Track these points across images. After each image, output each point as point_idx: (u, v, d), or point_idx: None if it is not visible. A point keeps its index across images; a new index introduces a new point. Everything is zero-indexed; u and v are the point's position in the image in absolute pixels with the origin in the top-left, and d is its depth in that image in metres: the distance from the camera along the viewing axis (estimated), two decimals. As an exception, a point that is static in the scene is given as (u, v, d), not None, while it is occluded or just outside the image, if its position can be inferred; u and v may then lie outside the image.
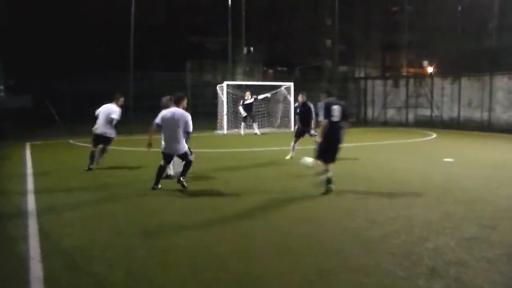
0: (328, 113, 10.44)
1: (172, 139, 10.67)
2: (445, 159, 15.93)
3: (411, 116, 36.50)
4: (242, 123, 27.50)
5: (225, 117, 28.16)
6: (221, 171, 13.65)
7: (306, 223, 8.08)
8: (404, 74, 42.13)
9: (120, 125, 14.58)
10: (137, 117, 26.41)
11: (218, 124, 28.79)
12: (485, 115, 31.20)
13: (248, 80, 43.47)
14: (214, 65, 52.52)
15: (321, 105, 10.85)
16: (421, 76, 39.17)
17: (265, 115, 30.56)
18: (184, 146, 10.80)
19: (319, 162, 10.87)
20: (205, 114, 29.09)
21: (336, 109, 10.50)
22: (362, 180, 12.15)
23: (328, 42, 56.37)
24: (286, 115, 30.69)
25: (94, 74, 26.35)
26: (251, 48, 53.44)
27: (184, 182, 10.87)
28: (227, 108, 28.40)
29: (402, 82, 38.13)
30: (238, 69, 47.13)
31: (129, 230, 7.70)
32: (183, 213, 8.86)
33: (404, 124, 35.84)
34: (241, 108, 27.44)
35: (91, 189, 11.17)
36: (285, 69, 55.45)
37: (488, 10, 39.96)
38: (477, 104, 31.71)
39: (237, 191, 10.80)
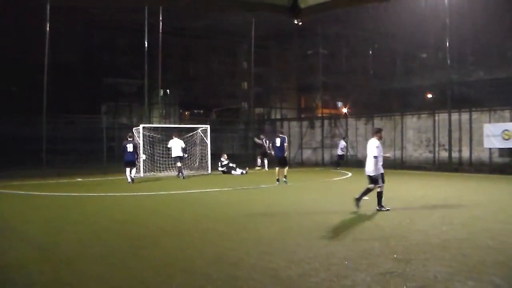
0: None
1: None
2: (361, 198, 16.03)
3: (327, 156, 37.18)
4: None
5: (141, 160, 27.42)
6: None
7: (224, 264, 7.81)
8: (319, 115, 43.05)
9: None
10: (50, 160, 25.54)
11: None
12: (398, 153, 32.16)
13: (165, 123, 43.23)
14: (130, 107, 52.03)
15: None
16: (336, 117, 40.12)
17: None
18: None
19: None
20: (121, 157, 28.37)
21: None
22: (279, 218, 12.12)
23: (244, 85, 57.12)
24: (204, 157, 30.31)
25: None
26: (168, 91, 53.34)
27: None
28: (144, 151, 27.72)
29: (318, 123, 38.87)
30: (155, 112, 46.78)
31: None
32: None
33: (320, 164, 36.44)
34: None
35: None
36: (202, 111, 55.67)
37: (396, 54, 41.82)
38: (390, 143, 32.64)
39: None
